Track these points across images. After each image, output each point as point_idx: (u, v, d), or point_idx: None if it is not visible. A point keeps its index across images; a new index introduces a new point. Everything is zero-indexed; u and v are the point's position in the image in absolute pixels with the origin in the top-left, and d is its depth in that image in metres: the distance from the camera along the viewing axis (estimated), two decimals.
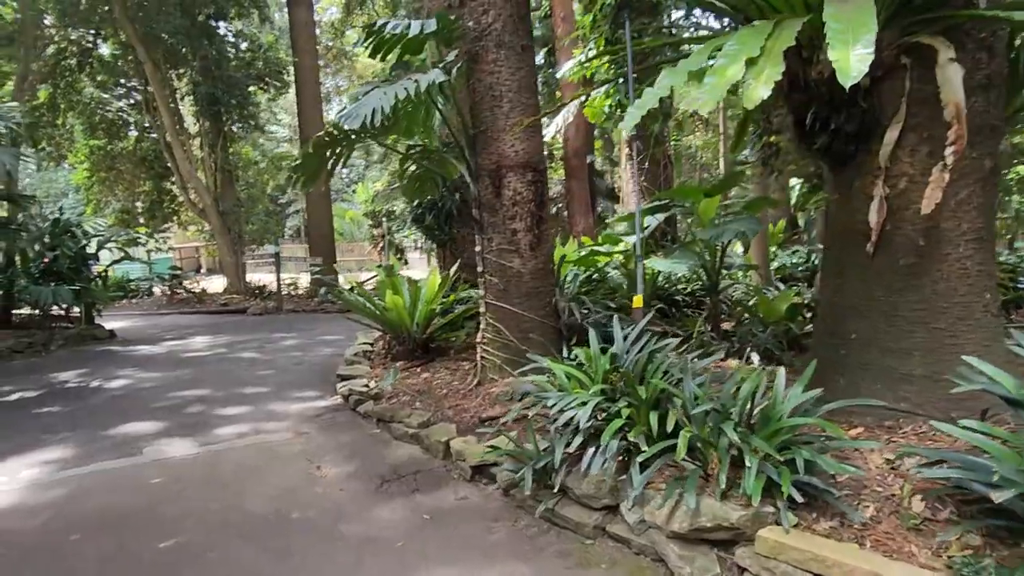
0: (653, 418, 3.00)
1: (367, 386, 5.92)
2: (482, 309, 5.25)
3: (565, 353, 4.85)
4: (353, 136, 4.77)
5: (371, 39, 4.54)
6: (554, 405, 3.33)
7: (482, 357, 5.22)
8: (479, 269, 5.22)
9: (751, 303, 6.85)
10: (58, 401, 6.44)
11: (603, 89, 7.19)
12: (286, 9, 19.26)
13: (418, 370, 6.56)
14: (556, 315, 5.13)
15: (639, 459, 2.97)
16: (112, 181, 20.63)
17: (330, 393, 6.43)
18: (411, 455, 4.40)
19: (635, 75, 4.59)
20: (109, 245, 11.26)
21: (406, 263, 20.60)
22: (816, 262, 10.62)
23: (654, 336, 3.66)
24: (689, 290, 7.69)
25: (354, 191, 38.46)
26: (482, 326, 5.25)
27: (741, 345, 5.51)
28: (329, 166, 5.05)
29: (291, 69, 18.27)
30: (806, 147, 3.60)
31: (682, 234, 9.84)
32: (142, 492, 3.98)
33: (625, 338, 3.77)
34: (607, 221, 11.99)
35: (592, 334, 3.91)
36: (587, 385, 3.46)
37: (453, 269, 7.28)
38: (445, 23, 4.65)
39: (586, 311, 5.48)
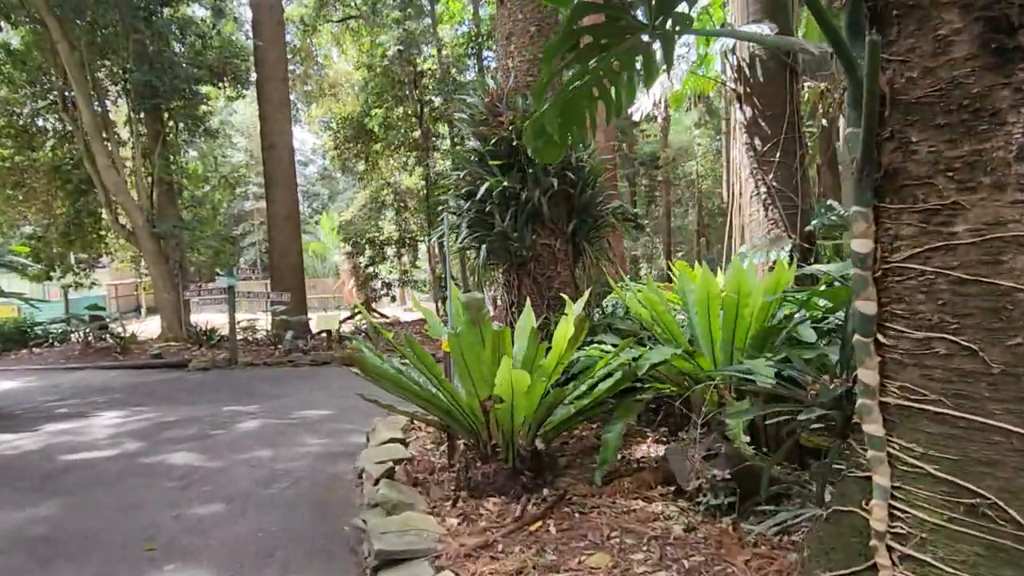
0: None
1: None
2: (872, 427, 1.76)
3: None
4: None
5: None
6: None
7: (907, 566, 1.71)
8: (861, 309, 1.75)
9: None
10: None
11: None
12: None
13: (551, 528, 3.01)
14: None
15: None
16: (20, 200, 16.54)
17: None
18: None
19: None
20: None
21: (393, 301, 16.90)
22: None
23: None
24: None
25: (317, 222, 34.67)
26: (879, 479, 1.75)
27: None
28: None
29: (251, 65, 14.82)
30: None
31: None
32: None
33: None
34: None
35: None
36: None
37: (579, 305, 3.79)
38: None
39: None
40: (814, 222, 7.39)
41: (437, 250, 16.41)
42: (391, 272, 16.27)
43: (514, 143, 4.86)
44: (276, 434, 5.83)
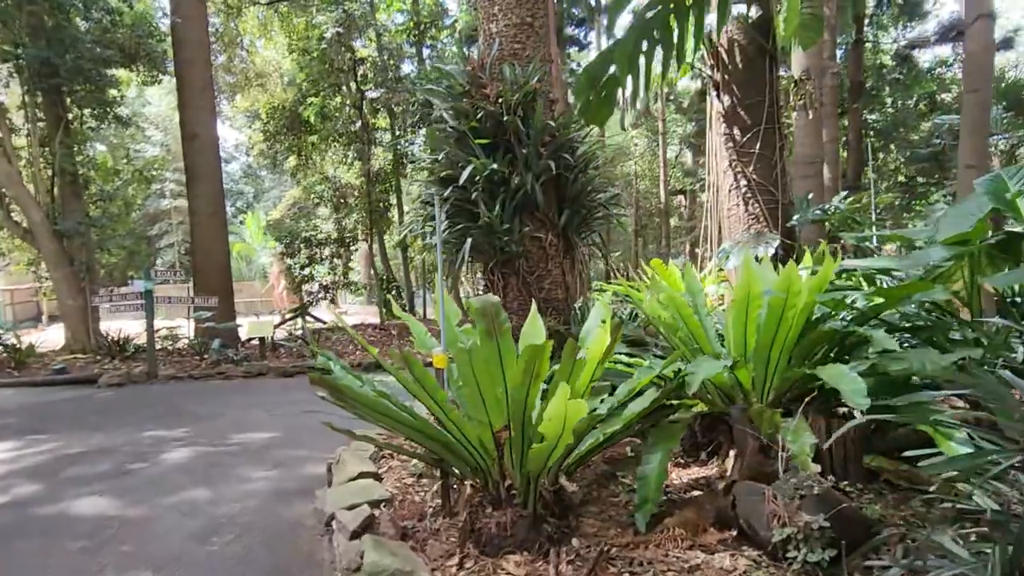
0: None
1: None
2: None
3: None
4: None
5: None
6: None
7: None
8: None
9: None
10: None
11: None
12: None
13: None
14: None
15: None
16: None
17: None
18: None
19: None
20: None
21: (333, 303, 15.79)
22: None
23: None
24: None
25: (242, 222, 32.49)
26: None
27: None
28: None
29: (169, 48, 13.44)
30: None
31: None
32: None
33: None
34: None
35: None
36: None
37: (606, 302, 3.11)
38: None
39: None
40: (796, 217, 7.05)
41: (378, 249, 15.45)
42: (328, 274, 15.13)
43: (503, 119, 4.14)
44: (211, 466, 4.87)
